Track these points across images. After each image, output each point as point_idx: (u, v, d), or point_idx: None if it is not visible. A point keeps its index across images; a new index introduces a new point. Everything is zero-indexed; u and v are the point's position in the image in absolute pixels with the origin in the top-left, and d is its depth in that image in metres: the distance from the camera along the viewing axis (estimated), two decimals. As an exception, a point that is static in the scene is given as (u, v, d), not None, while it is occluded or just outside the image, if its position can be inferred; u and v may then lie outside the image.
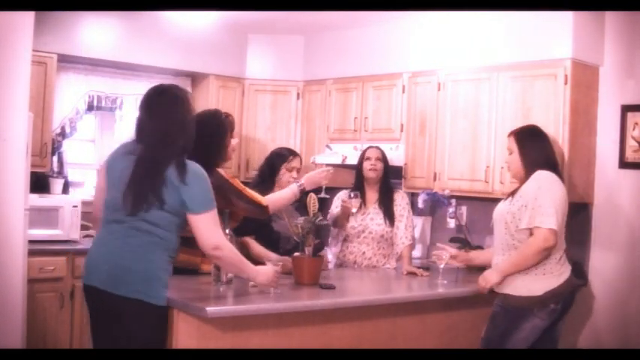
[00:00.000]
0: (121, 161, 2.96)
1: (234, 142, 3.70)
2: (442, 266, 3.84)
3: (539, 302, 3.36)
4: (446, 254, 3.81)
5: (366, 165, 4.35)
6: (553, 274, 3.38)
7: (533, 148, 3.53)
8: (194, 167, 2.92)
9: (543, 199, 3.32)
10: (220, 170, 3.58)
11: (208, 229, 2.92)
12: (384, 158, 4.40)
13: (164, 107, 2.96)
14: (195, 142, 3.51)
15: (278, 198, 3.71)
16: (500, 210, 3.54)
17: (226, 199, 3.50)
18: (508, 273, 3.41)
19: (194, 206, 2.88)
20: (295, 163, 4.23)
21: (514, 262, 3.40)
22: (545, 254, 3.33)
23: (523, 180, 3.49)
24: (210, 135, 3.55)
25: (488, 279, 3.48)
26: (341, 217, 4.33)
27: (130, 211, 2.86)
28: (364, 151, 4.45)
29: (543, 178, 3.41)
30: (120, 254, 2.87)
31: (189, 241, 3.55)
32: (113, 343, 2.87)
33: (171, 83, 3.25)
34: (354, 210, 4.23)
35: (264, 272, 3.19)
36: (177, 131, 2.93)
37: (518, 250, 3.40)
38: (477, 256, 3.92)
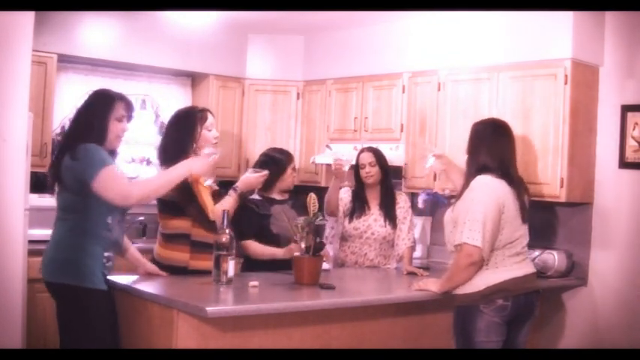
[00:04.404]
0: None
1: (209, 134, 3.72)
2: (428, 165, 3.79)
3: (482, 297, 3.25)
4: (430, 156, 3.72)
5: (362, 173, 4.35)
6: (499, 269, 3.28)
7: (482, 150, 3.41)
8: (83, 145, 3.05)
9: (473, 212, 3.24)
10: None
11: (108, 186, 3.01)
12: (379, 160, 4.36)
13: (78, 107, 3.25)
14: (166, 138, 3.77)
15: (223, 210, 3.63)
16: (446, 218, 3.49)
17: (184, 198, 3.55)
18: (445, 289, 3.40)
19: (88, 173, 3.01)
20: (294, 162, 4.28)
21: (447, 279, 3.39)
22: (474, 268, 3.26)
23: (467, 181, 3.40)
24: (177, 127, 3.69)
25: (428, 287, 3.48)
26: (334, 186, 4.30)
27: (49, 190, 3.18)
28: (357, 157, 4.41)
29: (477, 187, 3.32)
30: (50, 245, 3.14)
31: (174, 238, 3.58)
32: (64, 328, 3.11)
33: (103, 88, 3.42)
34: (345, 168, 4.23)
35: (197, 160, 3.38)
36: (77, 123, 3.18)
37: (449, 267, 3.40)
38: (456, 170, 3.87)
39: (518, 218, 3.35)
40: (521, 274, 3.32)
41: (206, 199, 3.57)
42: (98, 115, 3.15)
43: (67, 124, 5.20)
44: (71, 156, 3.03)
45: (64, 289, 3.04)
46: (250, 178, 3.78)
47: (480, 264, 3.26)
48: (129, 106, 3.24)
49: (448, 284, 3.37)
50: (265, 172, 3.84)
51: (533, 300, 3.36)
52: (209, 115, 3.75)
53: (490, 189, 3.30)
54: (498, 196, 3.29)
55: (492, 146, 3.41)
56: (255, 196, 4.09)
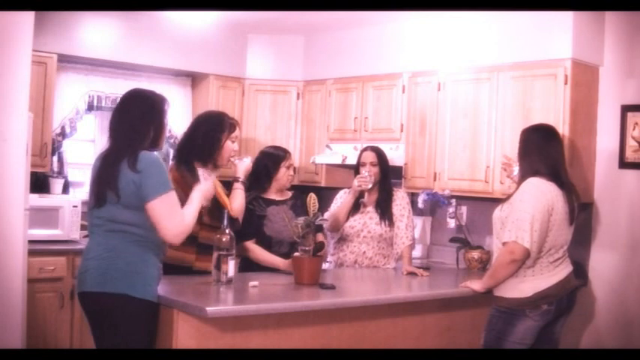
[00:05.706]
0: (95, 163, 3.04)
1: (232, 145, 3.73)
2: (515, 174, 3.78)
3: (529, 303, 3.38)
4: (516, 167, 3.76)
5: (361, 171, 4.31)
6: (543, 276, 3.39)
7: (533, 155, 3.48)
8: (146, 155, 2.91)
9: (521, 212, 3.33)
10: (200, 170, 3.62)
11: (166, 213, 2.86)
12: (380, 160, 4.32)
13: (127, 108, 3.03)
14: (190, 137, 3.74)
15: (239, 205, 3.72)
16: (494, 216, 3.57)
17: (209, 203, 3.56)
18: (488, 285, 3.53)
19: (148, 191, 2.84)
20: (291, 160, 4.21)
21: (490, 275, 3.53)
22: (516, 266, 3.37)
23: (519, 185, 3.48)
24: (205, 130, 3.69)
25: (474, 286, 3.61)
26: (348, 202, 4.28)
27: (92, 205, 2.95)
28: (360, 154, 4.39)
29: (527, 188, 3.40)
30: (100, 256, 2.92)
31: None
32: (108, 342, 2.92)
33: (143, 88, 3.28)
34: (369, 186, 4.20)
35: (202, 186, 3.23)
36: (135, 129, 2.96)
37: (493, 262, 3.56)
38: None
39: (565, 221, 3.44)
40: (564, 277, 3.44)
41: (226, 198, 3.64)
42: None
43: (66, 124, 5.23)
44: (133, 168, 2.85)
45: (122, 300, 2.87)
46: (244, 165, 3.84)
47: (521, 262, 3.36)
48: None
49: (490, 281, 3.50)
50: (249, 158, 3.91)
51: (573, 297, 3.53)
52: (237, 128, 3.79)
53: (539, 190, 3.38)
54: (547, 198, 3.37)
55: (543, 151, 3.48)
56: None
